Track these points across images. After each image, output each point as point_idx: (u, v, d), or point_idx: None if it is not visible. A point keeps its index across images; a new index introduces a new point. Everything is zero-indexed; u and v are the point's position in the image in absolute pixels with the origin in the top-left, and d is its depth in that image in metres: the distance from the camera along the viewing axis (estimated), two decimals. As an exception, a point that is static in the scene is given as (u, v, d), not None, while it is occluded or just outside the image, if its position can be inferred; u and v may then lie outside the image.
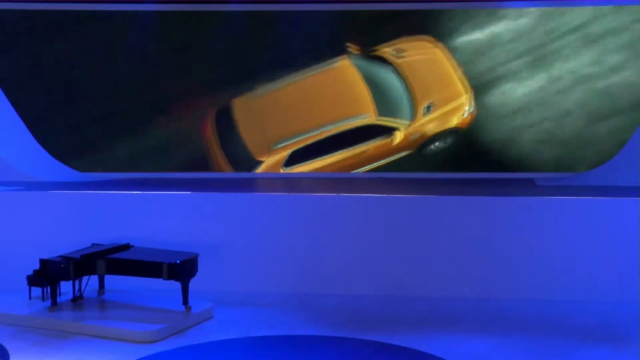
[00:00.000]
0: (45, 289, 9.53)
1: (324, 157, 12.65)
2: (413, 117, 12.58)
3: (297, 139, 12.63)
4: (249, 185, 12.03)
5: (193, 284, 9.40)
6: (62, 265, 9.28)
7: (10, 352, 8.23)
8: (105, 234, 10.19)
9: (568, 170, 12.52)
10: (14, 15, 12.60)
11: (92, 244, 9.99)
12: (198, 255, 9.52)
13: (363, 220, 10.52)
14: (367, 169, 12.74)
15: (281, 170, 12.61)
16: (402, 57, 12.64)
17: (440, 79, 12.67)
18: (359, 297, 10.22)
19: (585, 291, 10.03)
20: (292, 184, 12.26)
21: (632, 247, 9.96)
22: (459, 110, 12.60)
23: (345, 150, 12.64)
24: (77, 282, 9.59)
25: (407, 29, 12.66)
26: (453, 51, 12.57)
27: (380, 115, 12.54)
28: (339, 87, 12.72)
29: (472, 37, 12.58)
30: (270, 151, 12.62)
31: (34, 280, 9.46)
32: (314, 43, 12.71)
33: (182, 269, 9.27)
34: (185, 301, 9.34)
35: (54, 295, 9.38)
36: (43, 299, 9.54)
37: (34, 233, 10.53)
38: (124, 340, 8.59)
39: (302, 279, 10.45)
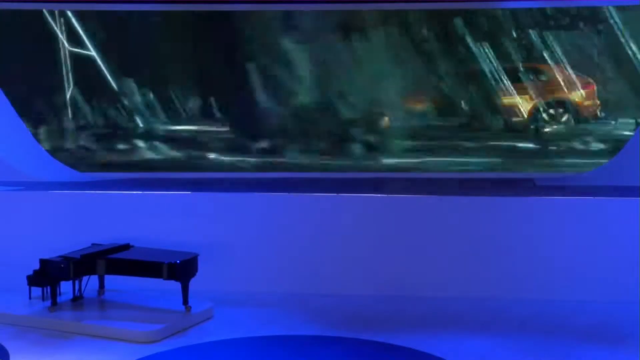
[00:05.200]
0: (45, 289, 9.52)
1: None
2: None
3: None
4: (250, 185, 12.02)
5: (193, 284, 9.39)
6: (62, 265, 9.27)
7: (10, 352, 8.23)
8: (105, 234, 10.18)
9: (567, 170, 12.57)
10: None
11: (92, 244, 9.98)
12: (198, 255, 9.52)
13: (363, 220, 10.52)
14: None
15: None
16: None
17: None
18: (359, 297, 10.21)
19: (585, 291, 10.01)
20: (293, 184, 12.26)
21: (632, 247, 9.95)
22: None
23: None
24: (77, 282, 9.59)
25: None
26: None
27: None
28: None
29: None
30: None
31: (34, 280, 9.44)
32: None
33: (182, 269, 9.27)
34: (185, 301, 9.33)
35: (54, 295, 9.38)
36: (43, 299, 9.53)
37: (34, 233, 10.52)
38: (124, 340, 8.58)
39: (302, 279, 10.44)
